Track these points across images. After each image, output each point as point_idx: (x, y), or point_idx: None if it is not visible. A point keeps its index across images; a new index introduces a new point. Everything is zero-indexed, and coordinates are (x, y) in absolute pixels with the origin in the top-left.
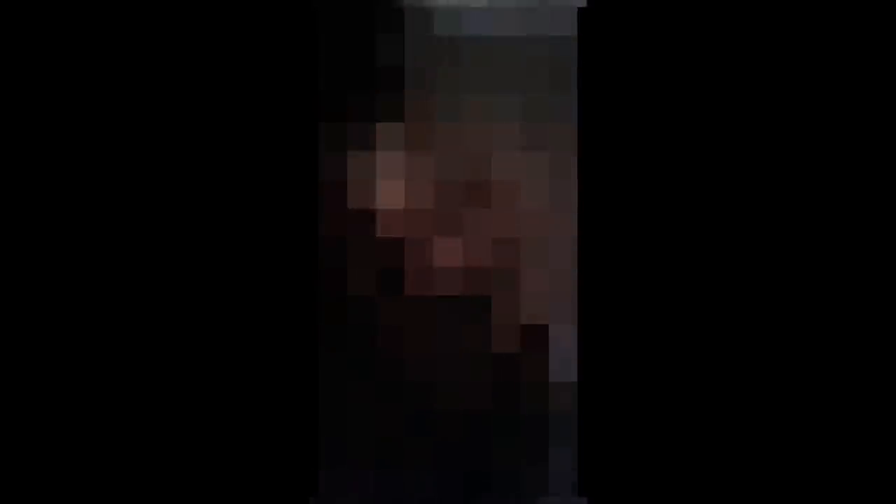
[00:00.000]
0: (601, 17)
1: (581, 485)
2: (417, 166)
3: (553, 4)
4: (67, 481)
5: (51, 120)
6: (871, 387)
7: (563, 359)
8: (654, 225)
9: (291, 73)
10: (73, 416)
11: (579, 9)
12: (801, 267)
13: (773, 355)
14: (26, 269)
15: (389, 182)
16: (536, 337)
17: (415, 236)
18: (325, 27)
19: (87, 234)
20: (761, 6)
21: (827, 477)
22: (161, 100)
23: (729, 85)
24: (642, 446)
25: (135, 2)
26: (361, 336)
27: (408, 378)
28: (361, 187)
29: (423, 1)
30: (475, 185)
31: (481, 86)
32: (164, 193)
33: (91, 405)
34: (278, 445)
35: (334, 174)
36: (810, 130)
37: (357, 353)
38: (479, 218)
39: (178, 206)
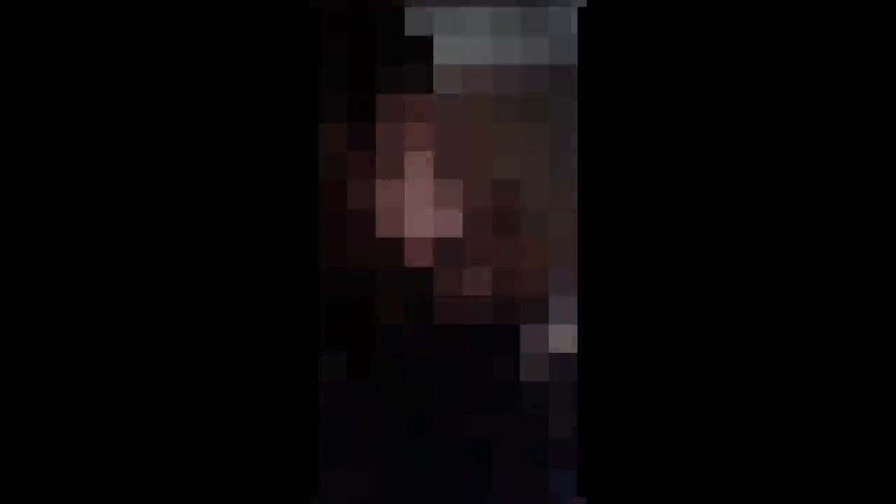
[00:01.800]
0: (601, 17)
1: (581, 485)
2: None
3: (553, 4)
4: (68, 481)
5: (52, 120)
6: (871, 387)
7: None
8: (653, 225)
9: (291, 73)
10: (74, 415)
11: (579, 9)
12: (800, 267)
13: (772, 356)
14: (26, 270)
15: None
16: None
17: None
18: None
19: (88, 234)
20: (761, 6)
21: (827, 477)
22: (161, 100)
23: (729, 85)
24: (642, 447)
25: (135, 2)
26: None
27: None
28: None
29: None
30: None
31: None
32: (164, 193)
33: (91, 405)
34: (278, 445)
35: (334, 174)
36: (810, 130)
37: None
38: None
39: (179, 205)
